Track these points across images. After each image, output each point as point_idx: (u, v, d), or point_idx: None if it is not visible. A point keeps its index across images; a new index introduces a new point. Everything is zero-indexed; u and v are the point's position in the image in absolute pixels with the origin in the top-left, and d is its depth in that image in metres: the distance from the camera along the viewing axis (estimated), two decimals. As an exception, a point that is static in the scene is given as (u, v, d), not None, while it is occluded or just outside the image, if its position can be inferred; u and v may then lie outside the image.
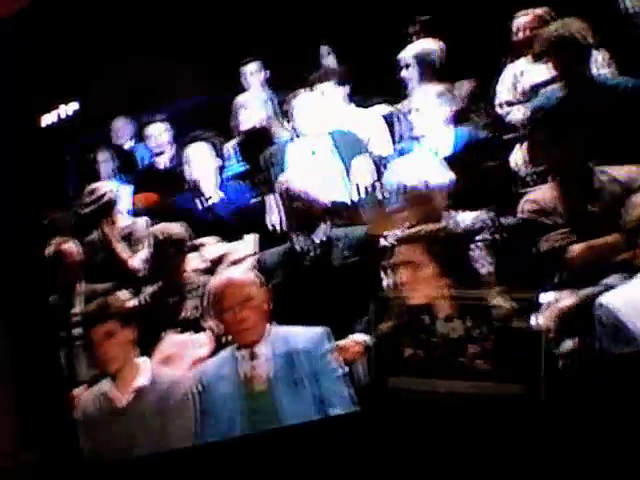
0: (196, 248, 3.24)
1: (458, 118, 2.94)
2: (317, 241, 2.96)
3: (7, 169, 4.11)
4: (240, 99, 3.40)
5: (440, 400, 2.48)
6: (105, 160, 3.81)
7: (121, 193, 3.61)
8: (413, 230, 2.68)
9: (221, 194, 3.31)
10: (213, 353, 2.98)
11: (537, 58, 2.90)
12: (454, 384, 2.47)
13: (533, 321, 2.33)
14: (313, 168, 3.15)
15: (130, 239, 3.52)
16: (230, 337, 2.90)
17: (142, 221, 3.47)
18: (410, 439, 2.47)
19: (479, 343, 2.46)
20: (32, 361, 3.95)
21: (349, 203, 3.01)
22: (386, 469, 2.50)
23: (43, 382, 3.89)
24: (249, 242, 3.09)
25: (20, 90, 4.11)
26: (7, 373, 4.00)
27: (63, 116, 3.99)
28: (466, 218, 2.69)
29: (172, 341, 3.15)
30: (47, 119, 4.13)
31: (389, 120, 3.08)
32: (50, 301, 3.85)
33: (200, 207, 3.32)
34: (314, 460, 2.60)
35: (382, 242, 2.80)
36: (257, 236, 3.09)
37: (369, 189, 2.96)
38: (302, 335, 2.77)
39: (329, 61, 3.27)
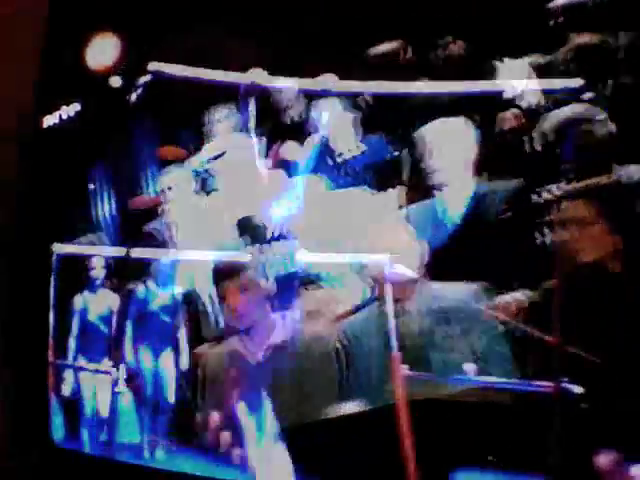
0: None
1: (619, 69, 2.78)
2: (466, 196, 2.85)
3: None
4: (374, 50, 3.27)
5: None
6: (226, 115, 3.73)
7: (251, 147, 3.54)
8: (580, 184, 2.55)
9: (362, 147, 3.21)
10: (357, 309, 2.90)
11: None
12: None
13: None
14: (453, 122, 3.02)
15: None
16: (376, 292, 2.83)
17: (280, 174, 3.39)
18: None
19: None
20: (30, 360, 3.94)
21: (498, 156, 2.88)
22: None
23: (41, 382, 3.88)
24: (394, 195, 2.99)
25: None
26: (5, 373, 3.99)
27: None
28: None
29: (312, 297, 3.08)
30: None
31: (542, 70, 2.93)
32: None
33: (337, 161, 3.23)
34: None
35: (543, 196, 2.68)
36: (403, 189, 2.99)
37: (521, 141, 2.83)
38: (456, 291, 2.67)
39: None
